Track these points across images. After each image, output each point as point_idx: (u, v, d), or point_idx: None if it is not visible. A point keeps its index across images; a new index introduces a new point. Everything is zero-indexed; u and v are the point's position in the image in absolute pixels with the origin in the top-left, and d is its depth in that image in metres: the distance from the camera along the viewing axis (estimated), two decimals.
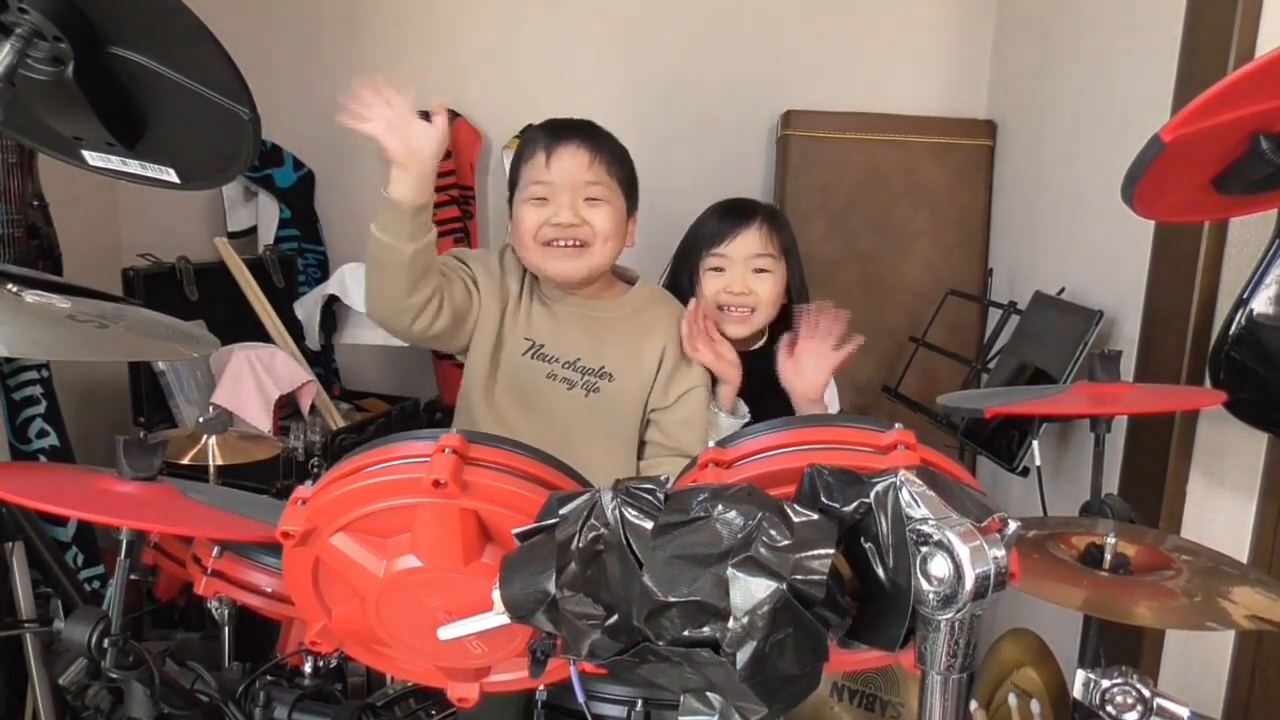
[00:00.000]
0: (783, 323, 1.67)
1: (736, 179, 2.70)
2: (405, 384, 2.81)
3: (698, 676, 0.67)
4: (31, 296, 1.08)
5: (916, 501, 0.64)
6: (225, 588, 1.19)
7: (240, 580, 1.19)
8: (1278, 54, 0.91)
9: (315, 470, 2.12)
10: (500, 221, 2.72)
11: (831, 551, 0.64)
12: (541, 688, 1.02)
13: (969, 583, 0.60)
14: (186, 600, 2.05)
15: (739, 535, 0.65)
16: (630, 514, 0.68)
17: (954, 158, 2.54)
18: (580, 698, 0.78)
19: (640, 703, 1.05)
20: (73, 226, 2.17)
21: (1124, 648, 1.65)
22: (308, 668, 1.24)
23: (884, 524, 0.66)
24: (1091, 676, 0.85)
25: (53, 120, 1.05)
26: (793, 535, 0.64)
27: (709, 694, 0.69)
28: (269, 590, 1.18)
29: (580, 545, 0.68)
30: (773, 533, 0.64)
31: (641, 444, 1.50)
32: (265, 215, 2.73)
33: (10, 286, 1.09)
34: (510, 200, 1.47)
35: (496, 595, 0.70)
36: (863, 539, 0.67)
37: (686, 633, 0.65)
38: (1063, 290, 2.02)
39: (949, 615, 0.62)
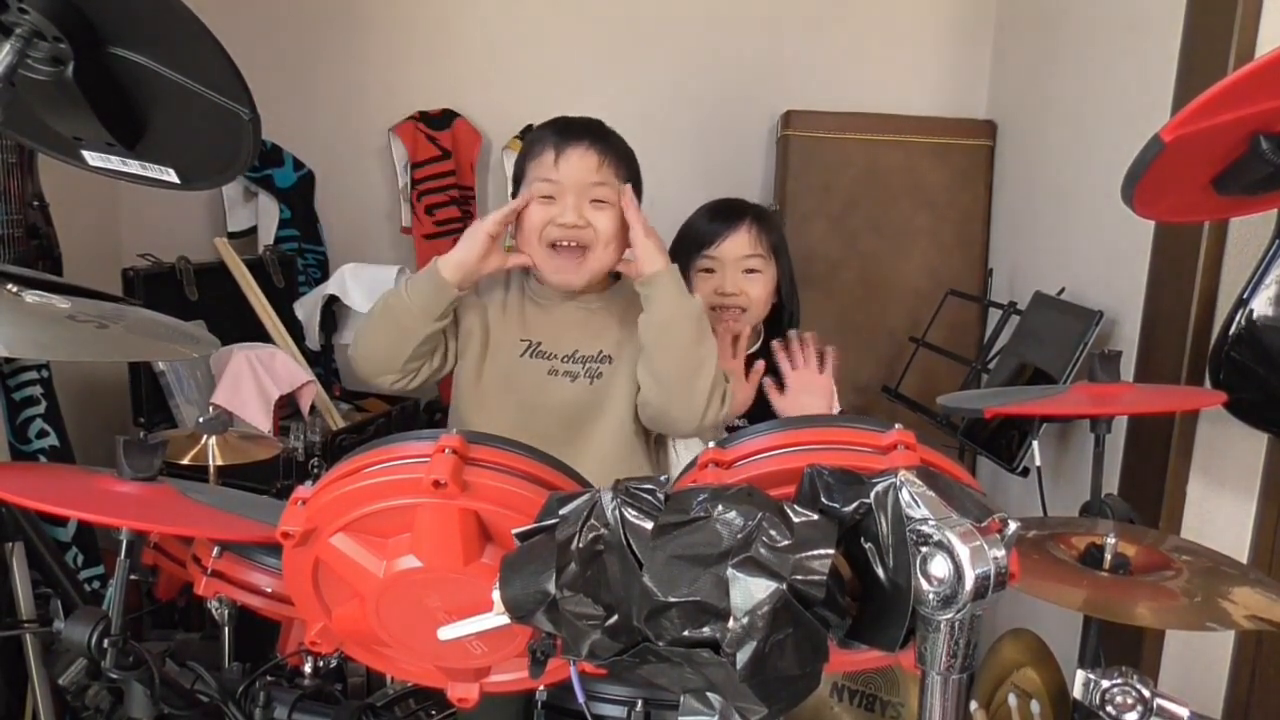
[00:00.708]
0: (774, 322, 1.68)
1: (736, 179, 2.70)
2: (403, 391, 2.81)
3: (698, 677, 0.67)
4: (31, 296, 1.08)
5: (916, 502, 0.64)
6: (225, 588, 1.19)
7: (240, 580, 1.19)
8: (1278, 54, 0.91)
9: (315, 470, 2.12)
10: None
11: (831, 551, 0.64)
12: (541, 688, 1.02)
13: (969, 583, 0.60)
14: (186, 600, 2.05)
15: (739, 535, 0.65)
16: (630, 514, 0.68)
17: (954, 158, 2.54)
18: (580, 698, 0.78)
19: (640, 703, 1.05)
20: (73, 226, 2.17)
21: (1124, 648, 1.66)
22: (308, 668, 1.24)
23: (884, 524, 0.66)
24: (1091, 677, 0.85)
25: (53, 120, 1.05)
26: (793, 535, 0.64)
27: (709, 694, 0.69)
28: (269, 590, 1.18)
29: (580, 545, 0.68)
30: (773, 533, 0.64)
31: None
32: (265, 215, 2.73)
33: (10, 286, 1.09)
34: (513, 198, 1.48)
35: (496, 595, 0.70)
36: (863, 539, 0.67)
37: (686, 633, 0.65)
38: (1063, 290, 2.02)
39: (949, 615, 0.62)
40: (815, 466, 0.71)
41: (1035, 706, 1.31)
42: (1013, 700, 1.34)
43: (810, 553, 0.63)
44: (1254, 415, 1.44)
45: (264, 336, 2.33)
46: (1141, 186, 1.05)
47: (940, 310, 2.40)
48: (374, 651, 0.92)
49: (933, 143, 2.54)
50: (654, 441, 1.53)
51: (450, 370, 1.46)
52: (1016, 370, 2.02)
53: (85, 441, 2.15)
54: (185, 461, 1.69)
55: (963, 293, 2.42)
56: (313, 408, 2.29)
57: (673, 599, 0.65)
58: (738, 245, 1.61)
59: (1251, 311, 1.40)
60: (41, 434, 1.93)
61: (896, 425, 0.77)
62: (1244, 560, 1.59)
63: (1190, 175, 1.10)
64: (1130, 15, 1.87)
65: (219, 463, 1.71)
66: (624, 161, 1.43)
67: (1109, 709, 0.84)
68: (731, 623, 0.63)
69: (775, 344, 1.61)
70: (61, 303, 1.10)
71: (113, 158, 1.09)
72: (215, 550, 1.19)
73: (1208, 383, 1.49)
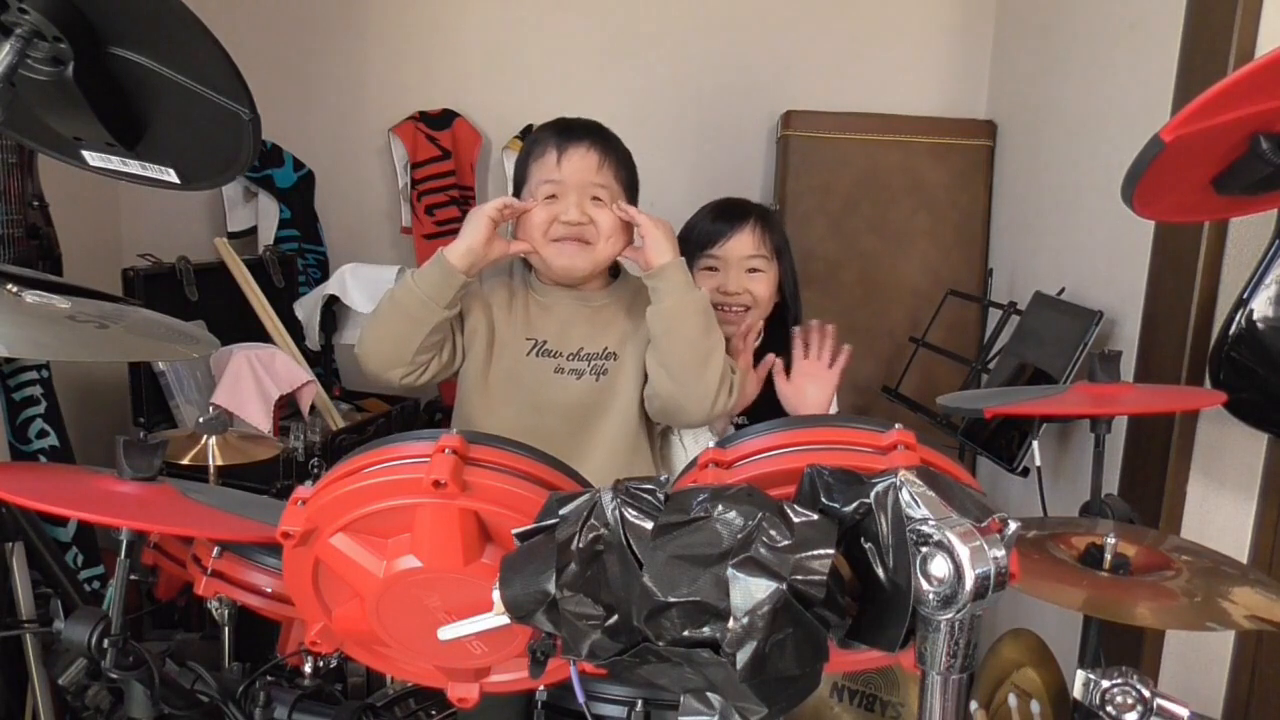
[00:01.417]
0: (777, 321, 1.68)
1: (736, 179, 2.70)
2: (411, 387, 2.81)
3: (698, 677, 0.67)
4: (31, 296, 1.08)
5: (916, 502, 0.64)
6: (225, 588, 1.19)
7: (240, 580, 1.19)
8: (1278, 54, 0.91)
9: (315, 470, 2.12)
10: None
11: (831, 552, 0.64)
12: (541, 688, 1.02)
13: (969, 583, 0.60)
14: (186, 600, 2.05)
15: (739, 535, 0.65)
16: (630, 514, 0.68)
17: (954, 158, 2.54)
18: (580, 698, 0.78)
19: (640, 703, 1.05)
20: (73, 226, 2.17)
21: (1124, 648, 1.66)
22: (308, 668, 1.24)
23: (884, 524, 0.65)
24: (1091, 677, 0.85)
25: (53, 120, 1.05)
26: (793, 535, 0.64)
27: (709, 694, 0.69)
28: (269, 590, 1.18)
29: (580, 545, 0.68)
30: (773, 533, 0.64)
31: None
32: (265, 215, 2.73)
33: (10, 286, 1.09)
34: (515, 198, 1.48)
35: (496, 595, 0.70)
36: (863, 539, 0.67)
37: (686, 633, 0.65)
38: (1063, 290, 2.02)
39: (949, 615, 0.62)
40: (815, 466, 0.71)
41: (1035, 706, 1.31)
42: (1013, 700, 1.34)
43: (810, 553, 0.63)
44: (1254, 415, 1.44)
45: (264, 336, 2.33)
46: (1141, 186, 1.05)
47: (940, 310, 2.40)
48: (374, 651, 0.92)
49: (932, 143, 2.54)
50: (658, 435, 1.54)
51: (458, 368, 1.46)
52: (1016, 370, 2.02)
53: (85, 441, 2.15)
54: (185, 461, 1.69)
55: (963, 293, 2.42)
56: (313, 408, 2.29)
57: (673, 599, 0.65)
58: (741, 245, 1.62)
59: (1251, 311, 1.40)
60: (41, 434, 1.93)
61: (896, 425, 0.77)
62: (1244, 560, 1.59)
63: (1190, 175, 1.10)
64: (1130, 15, 1.87)
65: (219, 463, 1.71)
66: (623, 164, 1.46)
67: (1109, 709, 0.84)
68: (731, 623, 0.63)
69: (797, 330, 1.62)
70: (61, 303, 1.09)
71: (113, 158, 1.09)
72: (215, 550, 1.19)
73: (1208, 383, 1.49)
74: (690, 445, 1.56)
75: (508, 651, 0.85)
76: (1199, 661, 1.67)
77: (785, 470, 0.75)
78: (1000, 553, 0.61)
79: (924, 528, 0.62)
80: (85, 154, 1.10)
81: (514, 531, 0.72)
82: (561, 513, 0.70)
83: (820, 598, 0.63)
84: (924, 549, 0.62)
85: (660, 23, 2.72)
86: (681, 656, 0.67)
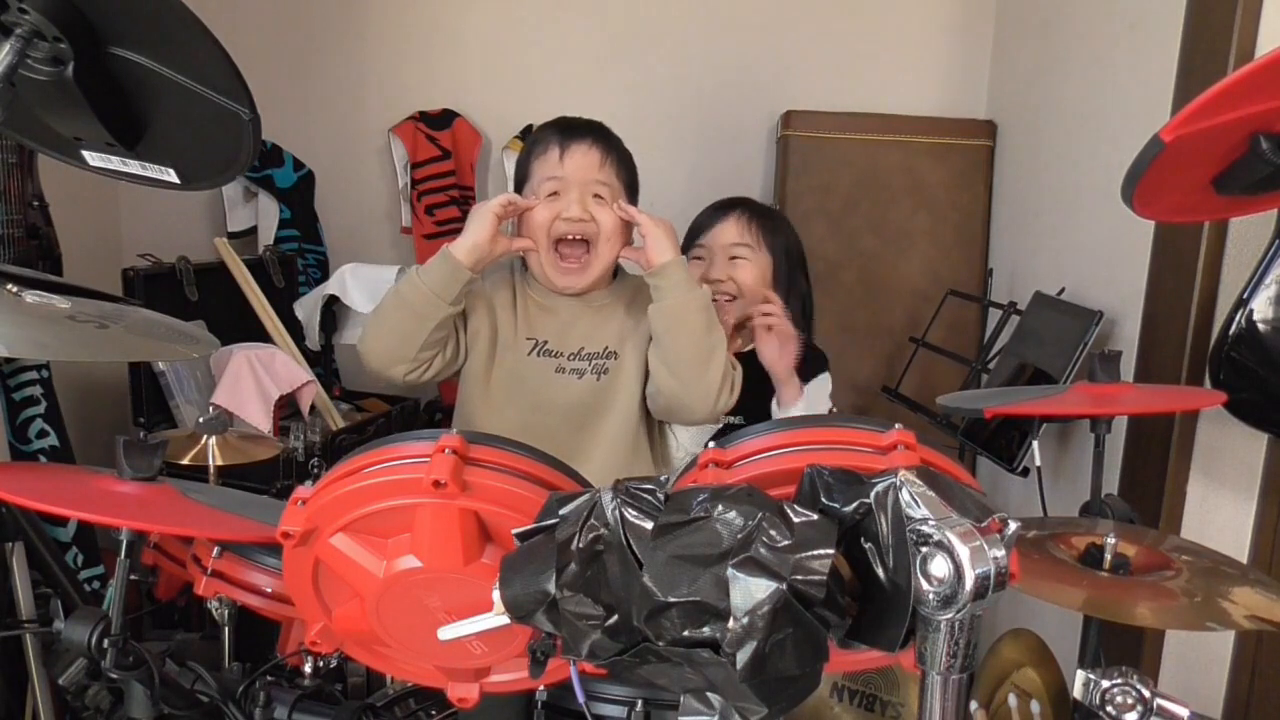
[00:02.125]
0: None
1: (736, 179, 2.70)
2: (414, 385, 2.81)
3: (698, 677, 0.67)
4: (31, 296, 1.08)
5: (916, 502, 0.63)
6: (225, 588, 1.19)
7: (240, 580, 1.19)
8: (1278, 54, 0.91)
9: (315, 470, 2.12)
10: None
11: (831, 551, 0.64)
12: (541, 688, 1.02)
13: (969, 583, 0.59)
14: (186, 600, 2.05)
15: (739, 535, 0.65)
16: (630, 514, 0.68)
17: (954, 158, 2.54)
18: (580, 698, 0.78)
19: (640, 703, 1.05)
20: (73, 226, 2.17)
21: (1124, 648, 1.66)
22: (308, 668, 1.24)
23: (884, 524, 0.65)
24: (1091, 677, 0.85)
25: (53, 120, 1.05)
26: (793, 535, 0.64)
27: (709, 694, 0.69)
28: (269, 590, 1.18)
29: (580, 545, 0.68)
30: (773, 533, 0.64)
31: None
32: (265, 215, 2.73)
33: (10, 286, 1.09)
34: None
35: (496, 595, 0.70)
36: (863, 539, 0.67)
37: (686, 633, 0.65)
38: (1063, 290, 2.02)
39: (949, 615, 0.62)
40: (815, 466, 0.71)
41: (1035, 706, 1.31)
42: (1013, 700, 1.34)
43: (810, 553, 0.63)
44: (1254, 415, 1.44)
45: (264, 336, 2.33)
46: (1141, 186, 1.05)
47: (940, 310, 2.40)
48: (374, 651, 0.92)
49: (932, 143, 2.54)
50: (657, 432, 1.54)
51: (461, 365, 1.46)
52: (1016, 370, 2.02)
53: (85, 441, 2.15)
54: (185, 461, 1.69)
55: (963, 293, 2.42)
56: (313, 408, 2.29)
57: (673, 599, 0.65)
58: (725, 233, 1.67)
59: (1251, 311, 1.40)
60: (41, 434, 1.93)
61: (896, 425, 0.77)
62: (1244, 560, 1.59)
63: (1190, 175, 1.10)
64: (1130, 15, 1.87)
65: (219, 463, 1.71)
66: (624, 163, 1.47)
67: (1109, 709, 0.84)
68: (731, 623, 0.63)
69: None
70: (61, 303, 1.09)
71: (113, 158, 1.09)
72: (215, 550, 1.19)
73: (1208, 383, 1.49)
74: (682, 435, 1.57)
75: (508, 651, 0.85)
76: (1199, 661, 1.67)
77: (785, 470, 0.75)
78: (1000, 553, 0.61)
79: (924, 528, 0.62)
80: (85, 154, 1.10)
81: (514, 531, 0.72)
82: (561, 513, 0.70)
83: (820, 598, 0.63)
84: (924, 549, 0.62)
85: (660, 23, 2.72)
86: (681, 656, 0.67)
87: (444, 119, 2.74)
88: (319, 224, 2.81)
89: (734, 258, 1.66)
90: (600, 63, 2.75)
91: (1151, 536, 1.26)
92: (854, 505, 0.67)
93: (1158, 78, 1.68)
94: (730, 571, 0.64)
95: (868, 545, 0.67)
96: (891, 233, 2.55)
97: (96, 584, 1.92)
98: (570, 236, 1.41)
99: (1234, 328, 1.41)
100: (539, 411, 1.44)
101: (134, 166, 1.10)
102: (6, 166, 1.87)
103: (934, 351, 2.37)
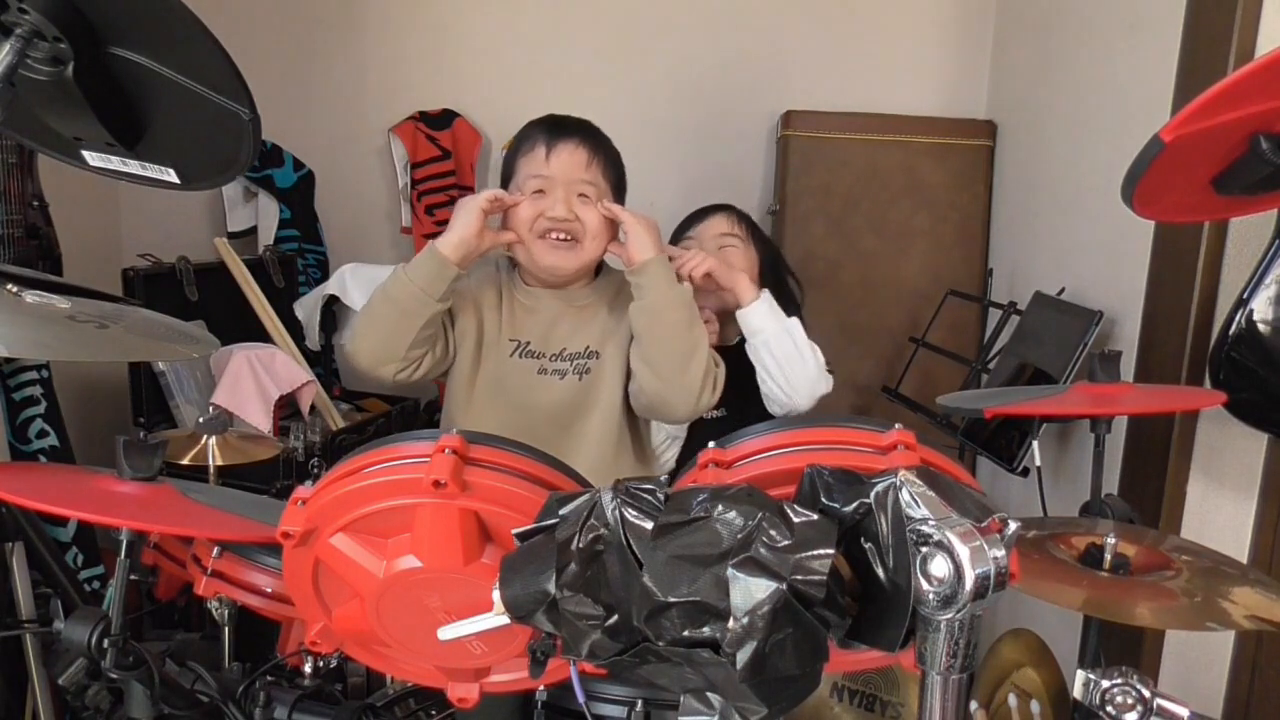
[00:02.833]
0: None
1: (737, 179, 2.70)
2: (405, 384, 2.81)
3: (698, 677, 0.67)
4: (31, 296, 1.08)
5: (916, 502, 0.64)
6: (225, 588, 1.19)
7: (240, 580, 1.19)
8: (1278, 54, 0.91)
9: (315, 470, 2.12)
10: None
11: (831, 551, 0.64)
12: (541, 688, 1.02)
13: (969, 583, 0.60)
14: (186, 600, 2.04)
15: (739, 535, 0.65)
16: (630, 514, 0.68)
17: (954, 158, 2.54)
18: (580, 698, 0.78)
19: (640, 703, 1.05)
20: (73, 226, 2.17)
21: (1124, 648, 1.65)
22: (308, 668, 1.24)
23: (884, 524, 0.66)
24: (1091, 677, 0.85)
25: (53, 120, 1.05)
26: (793, 535, 0.64)
27: (709, 694, 0.69)
28: (269, 590, 1.18)
29: (580, 545, 0.68)
30: (773, 533, 0.64)
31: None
32: (265, 215, 2.73)
33: (10, 286, 1.09)
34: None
35: (496, 595, 0.70)
36: (863, 539, 0.67)
37: (686, 633, 0.65)
38: (1063, 290, 2.02)
39: (949, 615, 0.62)
40: (815, 466, 0.71)
41: (1035, 706, 1.31)
42: (1013, 700, 1.34)
43: (810, 553, 0.63)
44: (1254, 415, 1.44)
45: (264, 336, 2.33)
46: (1141, 186, 1.05)
47: (940, 310, 2.40)
48: (374, 651, 0.92)
49: (932, 143, 2.54)
50: (642, 429, 1.54)
51: (451, 364, 1.46)
52: (1016, 370, 2.02)
53: (85, 441, 2.14)
54: (185, 461, 1.69)
55: (963, 293, 2.42)
56: (313, 408, 2.29)
57: (673, 599, 0.65)
58: (714, 224, 1.73)
59: (1251, 311, 1.40)
60: (41, 434, 1.93)
61: (896, 425, 0.77)
62: (1244, 560, 1.59)
63: (1190, 175, 1.10)
64: (1130, 15, 1.87)
65: (219, 463, 1.71)
66: (611, 163, 1.46)
67: (1109, 709, 0.84)
68: (731, 623, 0.63)
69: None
70: (61, 303, 1.09)
71: (113, 158, 1.09)
72: (215, 550, 1.19)
73: (1208, 383, 1.49)
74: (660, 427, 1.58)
75: (508, 651, 0.85)
76: (1199, 661, 1.67)
77: (785, 470, 0.75)
78: (1000, 553, 0.61)
79: (924, 528, 0.62)
80: (85, 154, 1.10)
81: (514, 531, 0.72)
82: (561, 513, 0.70)
83: (820, 598, 0.63)
84: (924, 549, 0.62)
85: (660, 23, 2.72)
86: (681, 656, 0.67)
87: (444, 119, 2.74)
88: (319, 224, 2.80)
89: (723, 246, 1.70)
90: (600, 63, 2.75)
91: (1151, 536, 1.26)
92: (854, 505, 0.67)
93: (1158, 78, 1.68)
94: (730, 571, 0.64)
95: (868, 545, 0.67)
96: (891, 233, 2.55)
97: (96, 584, 1.91)
98: (555, 234, 1.41)
99: (1234, 328, 1.41)
100: (522, 412, 1.43)
101: (134, 166, 1.10)
102: (6, 166, 1.87)
103: (934, 351, 2.36)
